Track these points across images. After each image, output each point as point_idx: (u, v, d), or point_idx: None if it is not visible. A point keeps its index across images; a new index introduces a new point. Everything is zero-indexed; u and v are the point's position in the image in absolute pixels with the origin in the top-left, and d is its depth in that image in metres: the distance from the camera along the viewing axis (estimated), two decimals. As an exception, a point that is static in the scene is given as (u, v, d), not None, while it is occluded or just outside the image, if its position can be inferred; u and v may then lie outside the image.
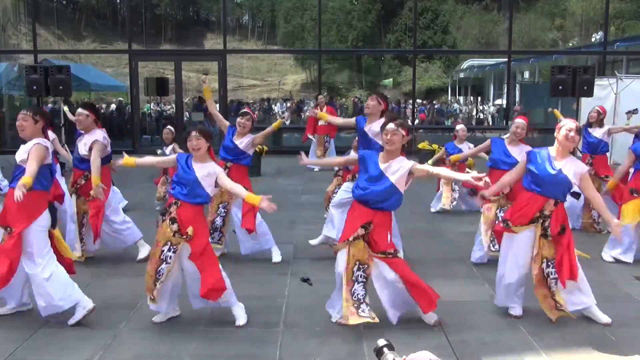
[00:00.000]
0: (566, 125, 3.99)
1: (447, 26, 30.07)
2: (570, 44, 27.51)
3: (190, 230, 3.86)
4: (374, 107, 5.18)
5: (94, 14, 36.16)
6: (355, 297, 3.87)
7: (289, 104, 24.14)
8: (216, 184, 4.00)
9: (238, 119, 5.50)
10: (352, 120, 5.62)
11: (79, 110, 5.37)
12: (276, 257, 5.62)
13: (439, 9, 30.00)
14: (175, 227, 3.87)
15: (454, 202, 7.72)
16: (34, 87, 10.57)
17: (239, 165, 5.50)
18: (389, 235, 3.98)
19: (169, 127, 7.90)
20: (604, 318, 4.13)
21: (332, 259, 5.65)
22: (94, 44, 32.41)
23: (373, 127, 5.11)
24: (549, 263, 4.07)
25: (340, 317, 3.97)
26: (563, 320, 4.18)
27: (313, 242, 5.88)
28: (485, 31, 28.33)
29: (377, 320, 3.82)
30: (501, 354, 3.67)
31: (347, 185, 5.47)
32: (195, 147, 3.93)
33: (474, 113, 24.05)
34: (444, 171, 4.30)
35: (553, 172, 3.98)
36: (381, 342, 1.74)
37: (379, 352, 1.73)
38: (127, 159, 4.26)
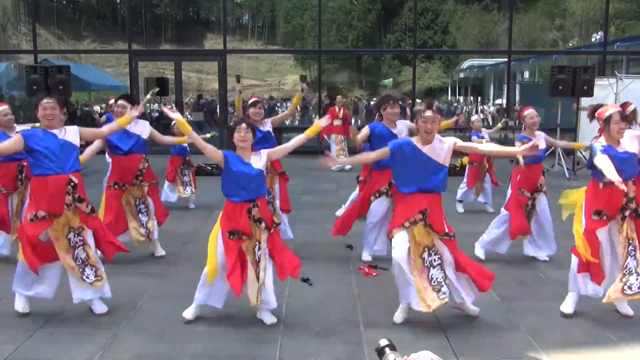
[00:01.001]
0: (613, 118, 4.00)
1: (447, 26, 30.10)
2: (570, 44, 27.54)
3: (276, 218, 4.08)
4: None
5: (94, 14, 36.20)
6: (434, 281, 3.91)
7: (289, 104, 24.14)
8: None
9: (251, 109, 5.56)
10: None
11: (122, 102, 5.49)
12: None
13: (439, 9, 30.04)
14: (264, 225, 3.96)
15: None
16: (34, 87, 10.57)
17: None
18: (444, 217, 4.05)
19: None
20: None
21: (332, 259, 5.68)
22: (94, 44, 32.43)
23: None
24: (630, 242, 4.07)
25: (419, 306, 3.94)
26: (563, 320, 4.18)
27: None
28: (485, 31, 28.35)
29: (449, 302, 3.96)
30: (501, 354, 3.67)
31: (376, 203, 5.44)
32: (243, 139, 3.96)
33: (474, 113, 24.06)
34: (491, 146, 4.26)
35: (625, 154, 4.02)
36: (383, 342, 1.73)
37: (380, 352, 1.73)
38: (184, 124, 4.12)
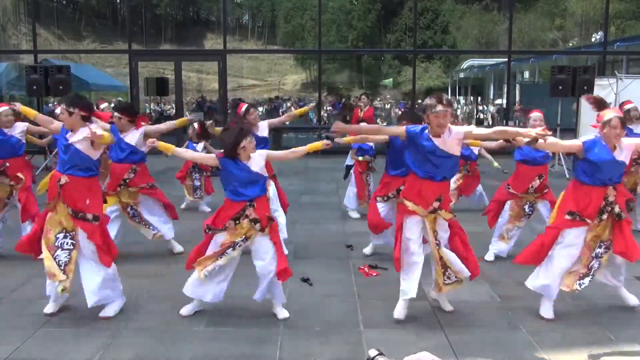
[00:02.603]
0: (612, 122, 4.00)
1: (447, 26, 30.10)
2: (570, 44, 27.53)
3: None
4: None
5: (94, 14, 36.20)
6: (442, 262, 4.05)
7: (289, 104, 24.15)
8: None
9: (250, 117, 5.65)
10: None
11: (115, 114, 5.46)
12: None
13: (439, 9, 30.04)
14: (258, 226, 4.03)
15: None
16: (34, 87, 10.57)
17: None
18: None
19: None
20: (632, 300, 4.34)
21: (332, 259, 5.68)
22: (94, 44, 32.44)
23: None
24: (602, 244, 4.14)
25: (433, 287, 4.18)
26: (563, 320, 4.18)
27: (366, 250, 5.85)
28: (485, 31, 28.34)
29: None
30: (501, 354, 3.67)
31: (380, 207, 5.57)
32: (249, 147, 4.07)
33: (474, 113, 24.04)
34: (500, 131, 4.12)
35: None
36: (372, 352, 1.73)
37: None
38: (163, 145, 4.28)
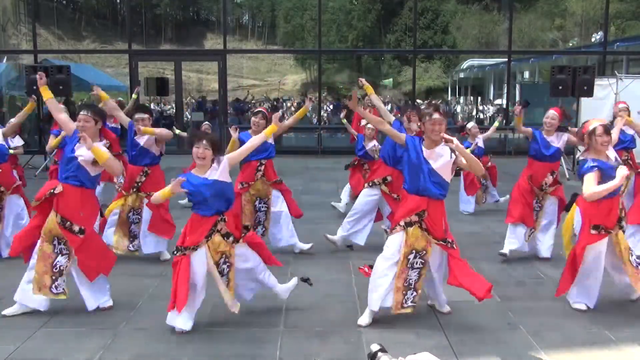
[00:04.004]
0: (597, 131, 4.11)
1: (447, 26, 30.04)
2: (570, 44, 27.51)
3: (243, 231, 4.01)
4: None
5: (94, 14, 36.18)
6: (407, 282, 3.97)
7: (289, 104, 24.13)
8: None
9: (252, 119, 5.63)
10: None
11: (140, 115, 5.44)
12: None
13: (439, 9, 30.00)
14: (232, 239, 3.92)
15: (485, 201, 7.94)
16: (34, 87, 10.56)
17: (271, 160, 5.70)
18: (444, 224, 4.04)
19: (206, 123, 8.03)
20: None
21: (332, 259, 5.68)
22: (94, 44, 32.43)
23: None
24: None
25: (392, 305, 4.02)
26: (563, 320, 4.18)
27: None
28: (485, 31, 28.30)
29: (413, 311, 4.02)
30: (501, 354, 3.67)
31: (366, 192, 5.66)
32: (200, 156, 3.81)
33: (474, 113, 24.03)
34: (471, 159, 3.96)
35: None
36: (374, 347, 1.75)
37: (373, 357, 1.74)
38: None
